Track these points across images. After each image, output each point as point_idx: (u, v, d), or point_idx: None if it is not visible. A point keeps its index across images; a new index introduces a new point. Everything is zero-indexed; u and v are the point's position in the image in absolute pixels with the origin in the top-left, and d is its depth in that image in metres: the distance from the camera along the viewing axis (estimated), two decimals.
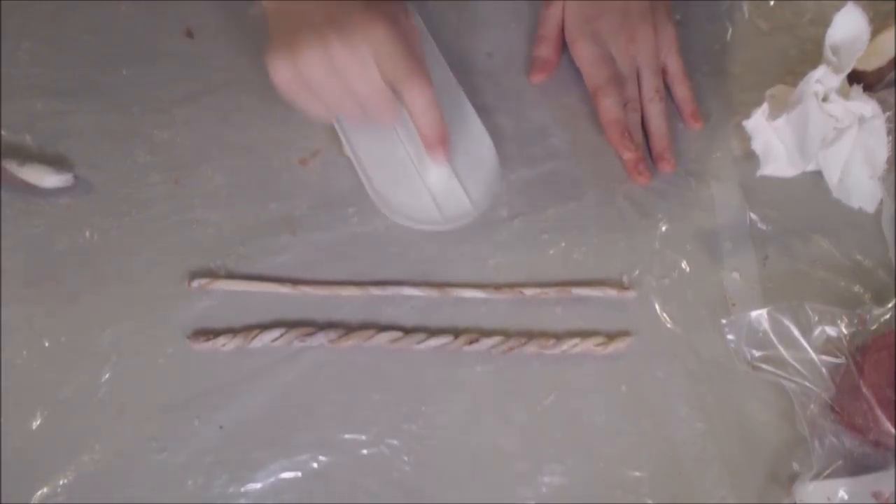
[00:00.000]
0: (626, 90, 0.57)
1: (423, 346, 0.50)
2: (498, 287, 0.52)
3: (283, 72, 0.45)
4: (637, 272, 0.54)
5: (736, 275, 0.54)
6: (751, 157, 0.56)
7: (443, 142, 0.47)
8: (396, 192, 0.51)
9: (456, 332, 0.51)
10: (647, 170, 0.56)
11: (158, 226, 0.53)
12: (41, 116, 0.56)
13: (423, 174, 0.51)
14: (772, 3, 0.63)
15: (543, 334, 0.51)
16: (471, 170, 0.52)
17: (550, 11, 0.59)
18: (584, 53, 0.58)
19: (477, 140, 0.53)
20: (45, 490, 0.46)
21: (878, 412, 0.46)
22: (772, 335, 0.50)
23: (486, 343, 0.50)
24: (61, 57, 0.58)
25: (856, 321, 0.50)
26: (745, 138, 0.55)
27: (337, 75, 0.45)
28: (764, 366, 0.50)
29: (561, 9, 0.59)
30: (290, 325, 0.51)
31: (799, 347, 0.50)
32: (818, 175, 0.56)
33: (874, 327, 0.50)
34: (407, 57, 0.44)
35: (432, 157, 0.48)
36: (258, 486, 0.47)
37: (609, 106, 0.56)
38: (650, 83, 0.57)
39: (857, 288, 0.53)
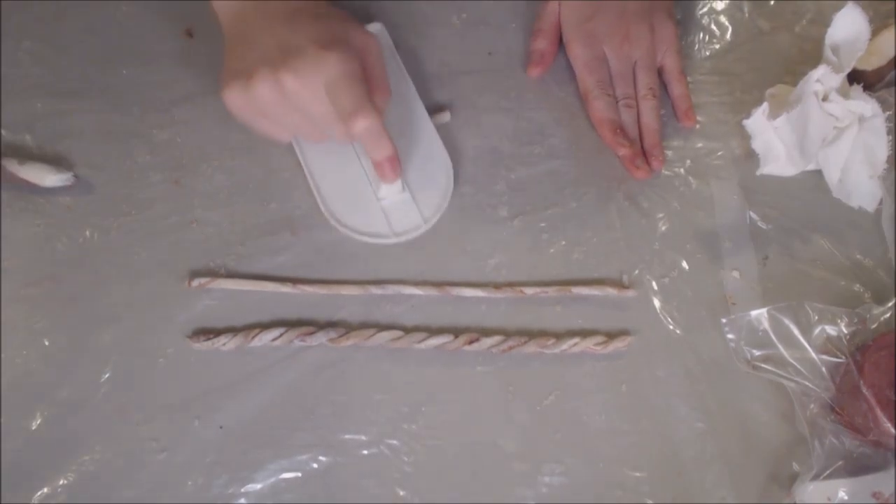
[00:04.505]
0: (619, 88, 0.58)
1: (423, 345, 0.50)
2: (498, 286, 0.52)
3: (237, 100, 0.46)
4: (637, 271, 0.54)
5: (736, 274, 0.54)
6: (751, 157, 0.56)
7: (393, 165, 0.48)
8: (348, 207, 0.53)
9: (456, 332, 0.51)
10: (645, 164, 0.56)
11: (158, 226, 0.53)
12: (41, 116, 0.56)
13: (377, 190, 0.53)
14: (772, 2, 0.63)
15: (543, 333, 0.51)
16: (424, 185, 0.54)
17: (548, 9, 0.59)
18: (577, 55, 0.58)
19: (433, 156, 0.55)
20: (45, 490, 0.46)
21: (878, 412, 0.46)
22: (772, 335, 0.50)
23: (486, 342, 0.50)
24: (61, 57, 0.58)
25: (856, 321, 0.50)
26: (746, 137, 0.55)
27: (289, 103, 0.46)
28: (764, 365, 0.50)
29: (558, 6, 0.59)
30: (290, 324, 0.51)
31: (799, 347, 0.50)
32: (818, 175, 0.56)
33: (874, 327, 0.50)
34: (354, 89, 0.45)
35: (383, 179, 0.50)
36: (258, 486, 0.47)
37: (599, 107, 0.57)
38: (644, 81, 0.58)
39: (857, 287, 0.53)
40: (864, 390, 0.46)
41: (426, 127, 0.55)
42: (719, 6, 0.63)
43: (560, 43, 0.60)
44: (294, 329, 0.50)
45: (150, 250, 0.53)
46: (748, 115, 0.54)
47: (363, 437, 0.49)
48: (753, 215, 0.55)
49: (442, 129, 0.57)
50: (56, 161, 0.54)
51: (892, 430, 0.45)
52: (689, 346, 0.51)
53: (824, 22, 0.53)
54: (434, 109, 0.57)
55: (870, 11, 0.51)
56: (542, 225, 0.55)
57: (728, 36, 0.62)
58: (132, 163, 0.55)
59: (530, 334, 0.51)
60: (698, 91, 0.59)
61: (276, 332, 0.50)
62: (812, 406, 0.48)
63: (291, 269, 0.53)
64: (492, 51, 0.60)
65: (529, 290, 0.52)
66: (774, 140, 0.55)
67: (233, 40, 0.48)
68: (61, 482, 0.47)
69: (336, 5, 0.50)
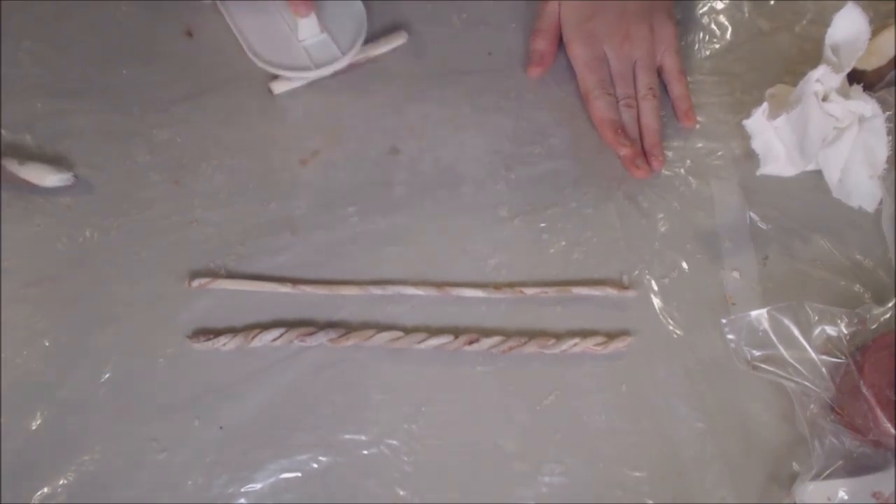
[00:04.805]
0: (619, 88, 0.58)
1: (423, 345, 0.50)
2: (498, 286, 0.52)
3: None
4: (637, 272, 0.54)
5: (736, 274, 0.54)
6: (751, 157, 0.56)
7: (307, 3, 0.54)
8: (273, 51, 0.58)
9: (456, 332, 0.51)
10: (645, 164, 0.56)
11: (158, 226, 0.53)
12: (41, 116, 0.56)
13: (296, 33, 0.57)
14: (772, 2, 0.63)
15: (543, 334, 0.51)
16: (339, 25, 0.59)
17: (548, 9, 0.60)
18: (577, 55, 0.58)
19: (347, 4, 0.60)
20: (45, 490, 0.46)
21: (878, 412, 0.45)
22: (772, 335, 0.50)
23: (486, 343, 0.50)
24: (61, 57, 0.58)
25: (856, 321, 0.50)
26: (746, 137, 0.55)
27: None
28: (764, 366, 0.50)
29: (558, 6, 0.59)
30: (290, 324, 0.51)
31: (799, 347, 0.50)
32: (818, 175, 0.56)
33: (874, 327, 0.50)
34: None
35: (297, 13, 0.55)
36: (258, 486, 0.47)
37: (600, 107, 0.57)
38: (643, 81, 0.58)
39: (857, 288, 0.53)
40: (864, 390, 0.46)
41: None
42: (719, 6, 0.63)
43: (560, 43, 0.60)
44: (294, 329, 0.50)
45: (150, 250, 0.53)
46: (748, 115, 0.54)
47: (363, 437, 0.49)
48: (753, 215, 0.55)
49: (442, 127, 0.57)
50: (56, 161, 0.54)
51: (892, 430, 0.45)
52: (689, 347, 0.51)
53: (824, 22, 0.53)
54: (390, 30, 0.60)
55: (870, 11, 0.51)
56: (542, 225, 0.55)
57: (728, 36, 0.62)
58: (132, 163, 0.55)
59: (530, 334, 0.51)
60: (698, 91, 0.59)
61: (276, 333, 0.50)
62: (812, 406, 0.48)
63: (291, 269, 0.53)
64: (492, 51, 0.60)
65: (529, 291, 0.52)
66: (774, 140, 0.55)
67: None
68: (61, 482, 0.47)
69: None
